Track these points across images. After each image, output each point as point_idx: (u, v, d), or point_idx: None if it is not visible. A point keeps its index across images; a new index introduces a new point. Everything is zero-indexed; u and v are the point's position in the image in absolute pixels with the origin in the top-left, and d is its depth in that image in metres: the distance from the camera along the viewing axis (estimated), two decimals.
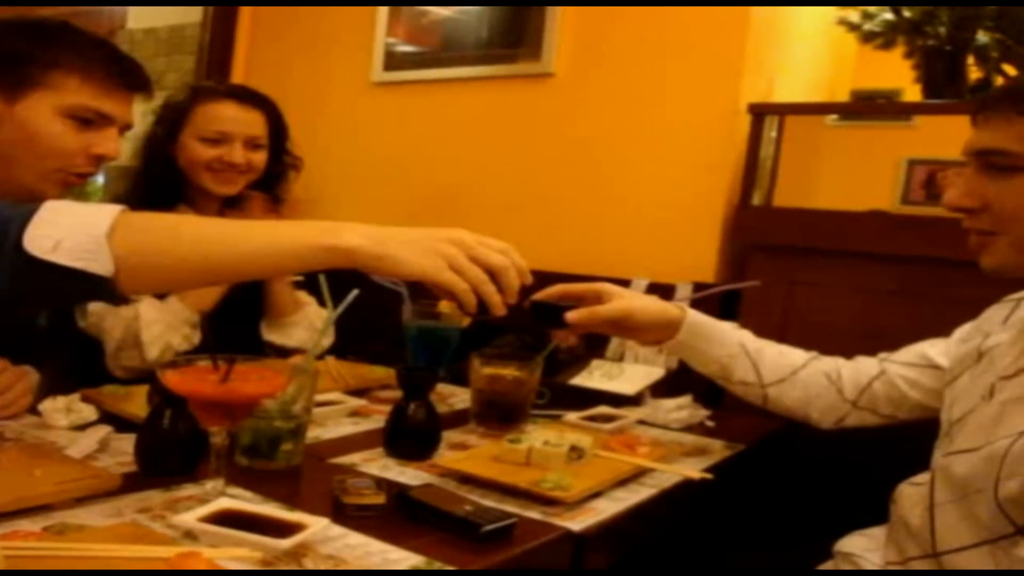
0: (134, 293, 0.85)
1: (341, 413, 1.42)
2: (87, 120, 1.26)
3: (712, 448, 1.43)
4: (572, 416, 1.46)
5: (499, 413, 1.39)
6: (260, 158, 1.76)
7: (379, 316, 1.62)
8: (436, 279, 0.89)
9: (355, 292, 1.20)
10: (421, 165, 2.37)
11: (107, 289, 0.84)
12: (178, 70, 2.73)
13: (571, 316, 1.25)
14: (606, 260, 2.02)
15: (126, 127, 1.34)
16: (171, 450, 1.03)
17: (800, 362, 1.35)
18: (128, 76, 1.30)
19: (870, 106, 2.24)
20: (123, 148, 1.62)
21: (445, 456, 1.21)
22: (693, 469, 1.24)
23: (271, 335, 1.78)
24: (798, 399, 1.33)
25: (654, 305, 1.32)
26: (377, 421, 1.34)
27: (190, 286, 1.44)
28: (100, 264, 0.82)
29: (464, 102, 2.30)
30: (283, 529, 0.83)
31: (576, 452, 1.19)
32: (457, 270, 0.89)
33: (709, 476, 1.22)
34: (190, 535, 0.85)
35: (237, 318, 1.71)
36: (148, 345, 1.56)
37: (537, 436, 1.20)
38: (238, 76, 2.68)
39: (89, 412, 1.23)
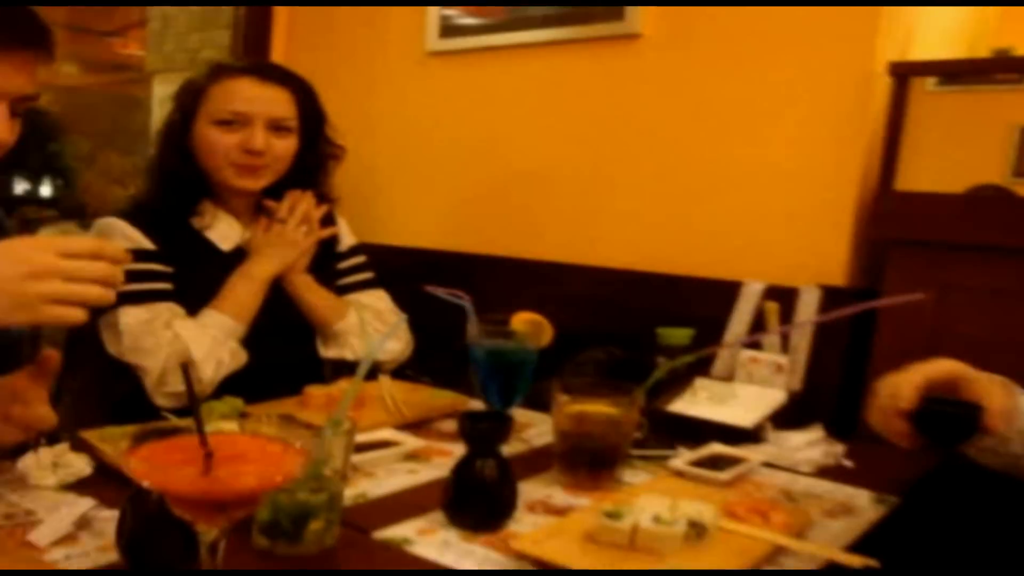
0: None
1: (395, 458, 1.18)
2: None
3: (858, 504, 1.15)
4: (679, 462, 1.19)
5: (589, 459, 1.15)
6: (285, 145, 1.52)
7: (440, 330, 1.43)
8: (38, 322, 0.89)
9: (403, 318, 0.94)
10: (483, 147, 2.20)
11: None
12: (215, 47, 2.53)
13: (993, 422, 0.98)
14: (709, 257, 1.83)
15: (22, 99, 1.04)
16: (161, 538, 0.80)
17: None
18: (7, 29, 0.99)
19: None
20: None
21: (523, 523, 1.00)
22: (841, 548, 0.96)
23: (328, 351, 1.58)
24: None
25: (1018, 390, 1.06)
26: (439, 467, 1.15)
27: None
28: None
29: (533, 72, 2.12)
30: None
31: (696, 529, 0.93)
32: (61, 301, 0.88)
33: (873, 563, 0.92)
34: None
35: (289, 338, 1.52)
36: (202, 363, 1.38)
37: (643, 507, 0.95)
38: (278, 51, 2.53)
39: (81, 465, 1.03)
